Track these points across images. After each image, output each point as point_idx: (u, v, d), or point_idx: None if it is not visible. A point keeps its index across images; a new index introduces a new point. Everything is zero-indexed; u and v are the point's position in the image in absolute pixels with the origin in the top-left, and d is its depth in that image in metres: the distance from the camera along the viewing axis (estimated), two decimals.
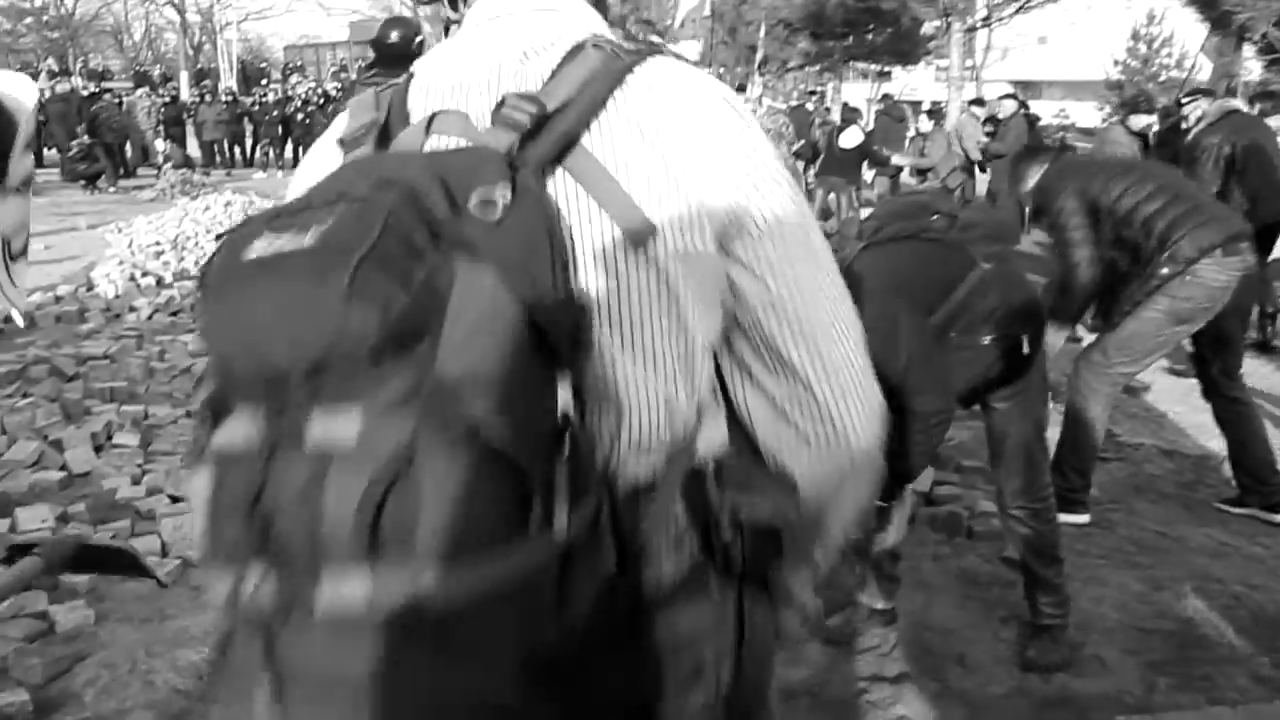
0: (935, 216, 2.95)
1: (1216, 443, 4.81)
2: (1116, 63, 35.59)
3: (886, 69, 32.01)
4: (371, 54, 5.82)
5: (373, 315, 0.80)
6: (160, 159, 19.60)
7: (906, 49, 29.05)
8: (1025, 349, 2.89)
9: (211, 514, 0.88)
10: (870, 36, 28.40)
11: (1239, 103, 6.40)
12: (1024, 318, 2.82)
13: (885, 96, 21.11)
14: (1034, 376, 2.99)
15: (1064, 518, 3.68)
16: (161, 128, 20.49)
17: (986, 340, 2.75)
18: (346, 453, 0.81)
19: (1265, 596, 3.74)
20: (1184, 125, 7.77)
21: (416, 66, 1.16)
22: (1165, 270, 3.96)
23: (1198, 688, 3.14)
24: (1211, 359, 4.48)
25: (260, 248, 0.89)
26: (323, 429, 0.82)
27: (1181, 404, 6.01)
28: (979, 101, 15.06)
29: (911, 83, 34.08)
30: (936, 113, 15.56)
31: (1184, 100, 7.98)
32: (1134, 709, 2.98)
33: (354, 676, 0.83)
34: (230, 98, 22.44)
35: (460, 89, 1.09)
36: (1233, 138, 6.16)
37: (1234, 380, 4.46)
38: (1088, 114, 32.36)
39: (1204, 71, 17.38)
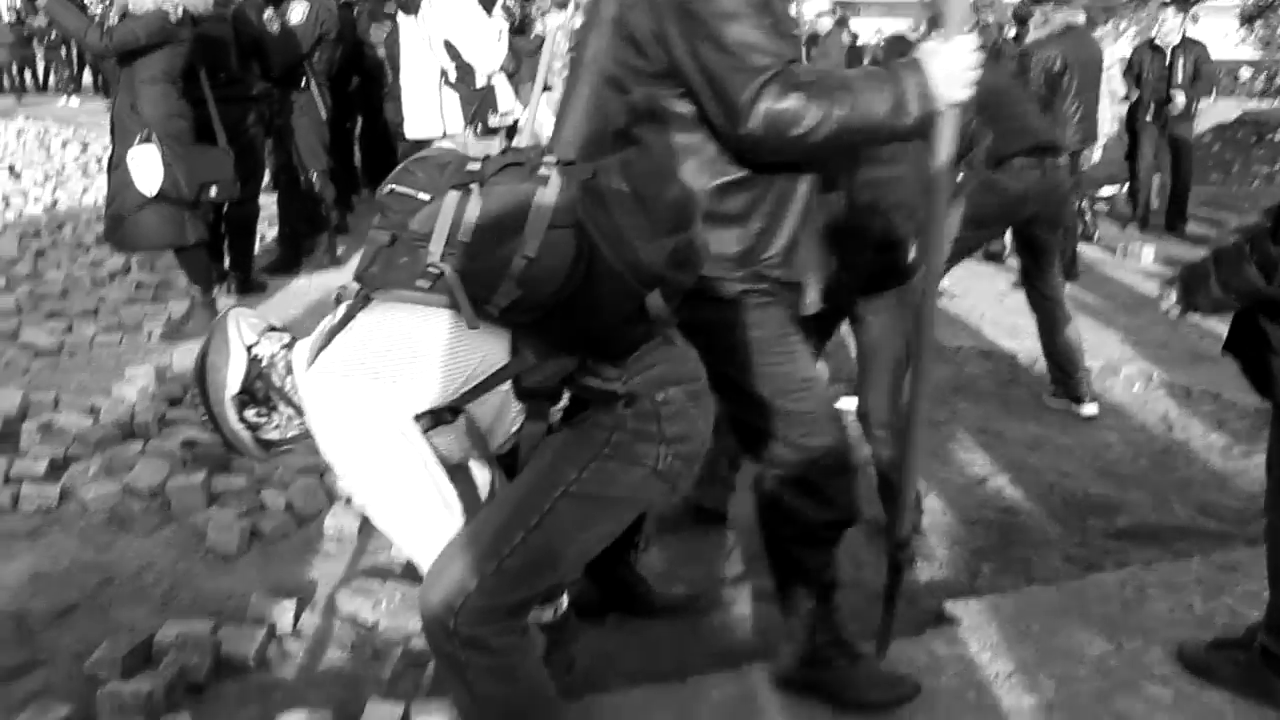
0: None
1: (1030, 343, 5.05)
2: None
3: None
4: None
5: None
6: None
7: None
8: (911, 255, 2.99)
9: None
10: None
11: (1081, 18, 6.58)
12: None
13: None
14: (909, 293, 3.06)
15: None
16: None
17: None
18: None
19: (1075, 483, 3.97)
20: (1020, 33, 7.92)
21: None
22: (962, 176, 4.09)
23: (1017, 570, 3.33)
24: (1025, 259, 4.71)
25: None
26: None
27: (997, 306, 6.29)
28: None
29: None
30: None
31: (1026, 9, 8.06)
32: (960, 594, 3.13)
33: None
34: (15, 18, 20.81)
35: None
36: (1065, 53, 6.33)
37: (1046, 279, 4.68)
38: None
39: None
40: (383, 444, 1.82)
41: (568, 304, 1.77)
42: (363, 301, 1.89)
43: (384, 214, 1.86)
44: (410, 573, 3.14)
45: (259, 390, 1.96)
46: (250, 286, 6.29)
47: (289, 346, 1.98)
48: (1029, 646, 2.77)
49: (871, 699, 2.51)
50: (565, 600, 2.49)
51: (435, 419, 1.89)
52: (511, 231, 1.74)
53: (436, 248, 1.76)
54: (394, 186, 1.86)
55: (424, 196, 1.80)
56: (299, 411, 1.97)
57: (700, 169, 2.18)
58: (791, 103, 2.02)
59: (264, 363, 1.95)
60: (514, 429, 1.97)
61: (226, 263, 6.26)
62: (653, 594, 3.00)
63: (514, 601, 1.91)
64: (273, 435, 2.01)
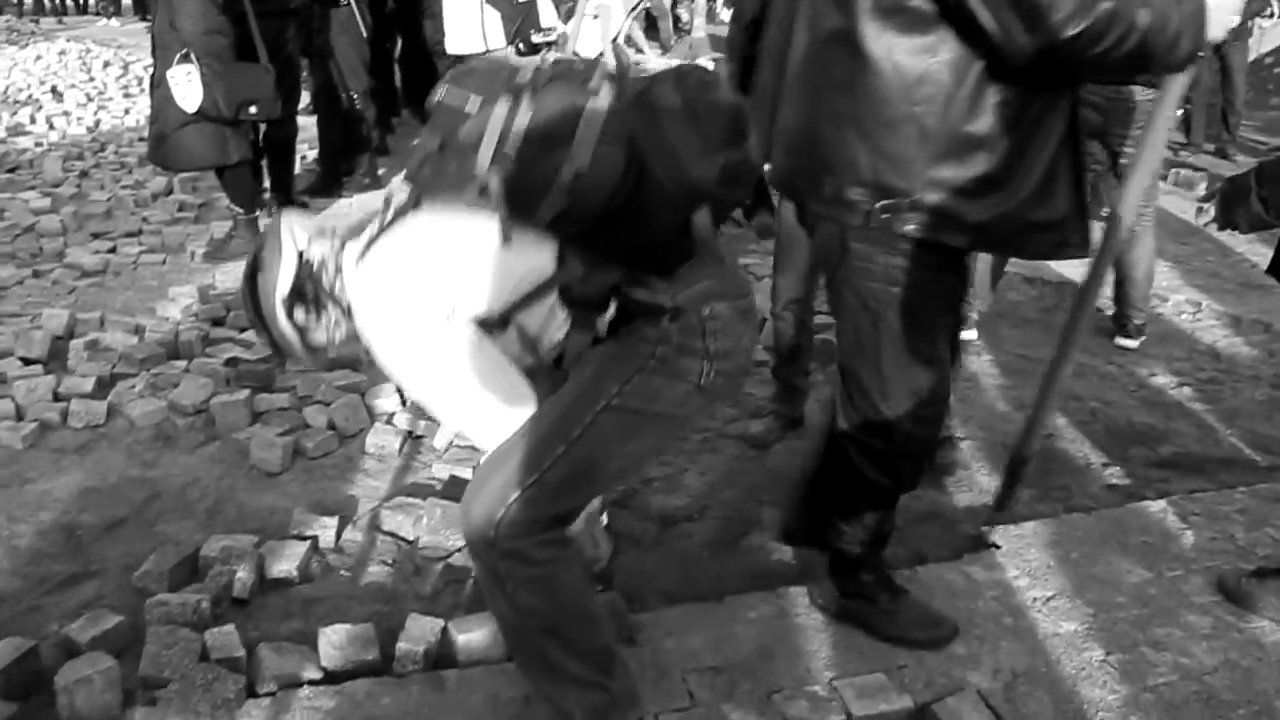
0: None
1: (1072, 270, 4.97)
2: None
3: None
4: None
5: None
6: None
7: None
8: None
9: None
10: None
11: None
12: None
13: None
14: None
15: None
16: None
17: None
18: None
19: (1117, 411, 3.93)
20: None
21: None
22: None
23: (1056, 498, 3.31)
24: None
25: None
26: None
27: None
28: None
29: None
30: None
31: None
32: (998, 520, 3.11)
33: None
34: None
35: None
36: None
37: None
38: None
39: None
40: (430, 338, 1.84)
41: (615, 216, 1.75)
42: (413, 203, 1.89)
43: (434, 122, 1.85)
44: (451, 490, 3.18)
45: (308, 292, 1.97)
46: (291, 207, 6.29)
47: (340, 249, 1.98)
48: (1067, 573, 2.76)
49: (911, 637, 2.51)
50: (605, 518, 2.51)
51: (483, 328, 1.90)
52: (560, 142, 1.72)
53: (484, 157, 1.74)
54: (443, 96, 1.84)
55: (473, 106, 1.78)
56: (347, 314, 1.98)
57: (940, 88, 1.97)
58: (1106, 7, 1.80)
59: (314, 265, 1.97)
60: (560, 337, 1.97)
61: (267, 184, 6.27)
62: None
63: (554, 514, 1.92)
64: (320, 338, 2.03)
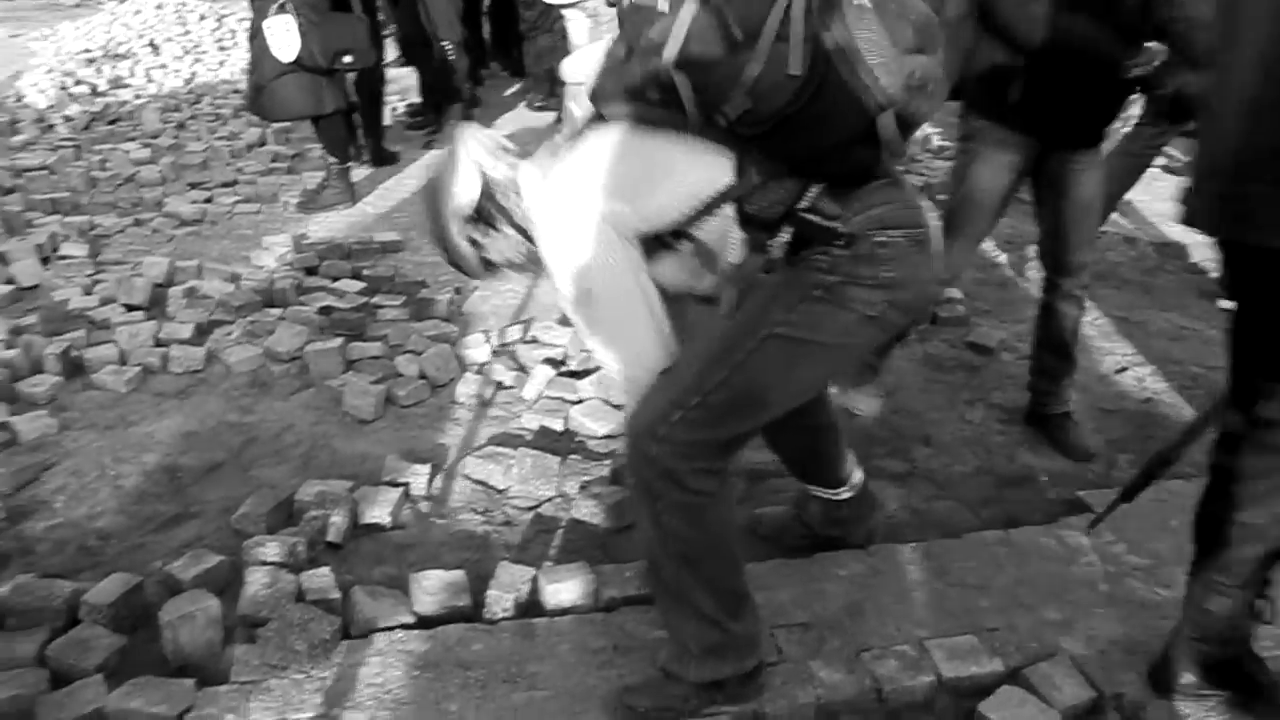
0: None
1: (1176, 231, 4.81)
2: None
3: None
4: None
5: None
6: None
7: None
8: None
9: None
10: None
11: None
12: None
13: None
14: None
15: None
16: None
17: None
18: None
19: (1221, 377, 3.79)
20: None
21: None
22: None
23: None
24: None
25: None
26: None
27: (1145, 193, 6.00)
28: None
29: None
30: None
31: None
32: (1094, 485, 3.05)
33: None
34: None
35: None
36: None
37: None
38: None
39: None
40: (607, 259, 1.86)
41: (796, 118, 1.73)
42: (596, 121, 1.92)
43: (625, 25, 1.88)
44: (540, 441, 3.20)
45: (486, 210, 2.01)
46: (383, 157, 6.37)
47: (518, 169, 2.02)
48: (1166, 541, 2.69)
49: None
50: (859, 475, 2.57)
51: (662, 244, 1.92)
52: (745, 43, 1.71)
53: (669, 55, 1.74)
54: None
55: (664, 5, 1.79)
56: (522, 234, 2.03)
57: None
58: None
59: (493, 185, 2.01)
60: (734, 260, 1.97)
61: (359, 133, 6.33)
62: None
63: (715, 439, 1.93)
64: (495, 256, 2.08)
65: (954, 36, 2.13)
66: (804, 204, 1.87)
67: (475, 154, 2.01)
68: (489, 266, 2.11)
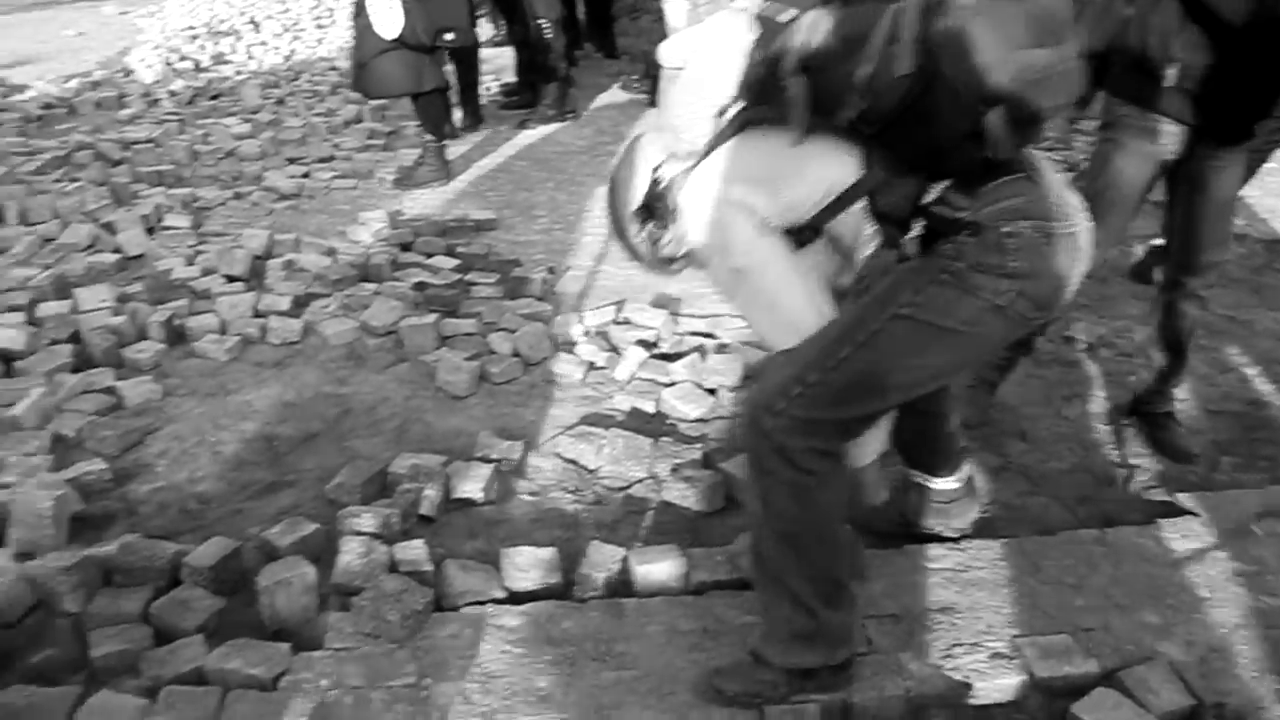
0: None
1: None
2: None
3: None
4: None
5: None
6: None
7: None
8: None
9: None
10: None
11: None
12: None
13: None
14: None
15: None
16: None
17: None
18: None
19: None
20: None
21: None
22: None
23: (1261, 468, 3.13)
24: None
25: None
26: None
27: (1256, 187, 5.80)
28: None
29: None
30: None
31: None
32: (1197, 487, 2.97)
33: None
34: None
35: None
36: None
37: None
38: None
39: None
40: (753, 239, 1.90)
41: (908, 115, 1.77)
42: (738, 124, 1.98)
43: (759, 35, 1.93)
44: (632, 422, 3.21)
45: (658, 208, 2.10)
46: (480, 127, 6.43)
47: (681, 168, 2.10)
48: (1271, 547, 2.61)
49: None
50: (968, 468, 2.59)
51: (799, 239, 1.96)
52: (857, 46, 1.76)
53: (790, 64, 1.82)
54: (762, 10, 1.93)
55: (786, 16, 1.87)
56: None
57: None
58: None
59: (663, 183, 2.09)
60: (868, 254, 2.03)
61: (456, 105, 6.40)
62: None
63: (832, 419, 1.94)
64: (670, 250, 2.16)
65: (1101, 16, 2.09)
66: (932, 198, 1.88)
67: (650, 155, 2.12)
68: (666, 262, 2.19)
